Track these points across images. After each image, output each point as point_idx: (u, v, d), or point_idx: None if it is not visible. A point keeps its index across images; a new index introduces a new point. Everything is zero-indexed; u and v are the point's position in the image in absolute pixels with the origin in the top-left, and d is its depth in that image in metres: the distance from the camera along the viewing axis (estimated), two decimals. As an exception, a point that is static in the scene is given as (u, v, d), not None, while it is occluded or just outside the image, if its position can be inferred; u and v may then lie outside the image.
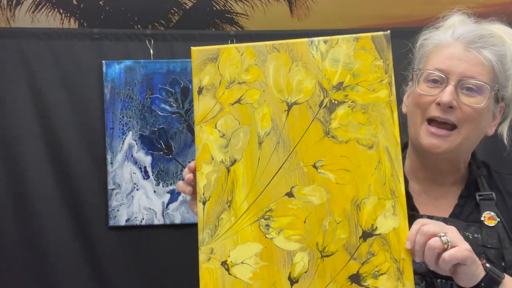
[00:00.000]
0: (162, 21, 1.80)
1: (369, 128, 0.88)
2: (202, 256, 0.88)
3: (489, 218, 1.02)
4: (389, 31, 0.90)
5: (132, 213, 1.67)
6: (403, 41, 1.15)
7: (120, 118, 1.67)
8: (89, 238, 1.66)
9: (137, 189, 1.68)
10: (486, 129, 1.05)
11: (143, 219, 1.68)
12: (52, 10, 1.76)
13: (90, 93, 1.66)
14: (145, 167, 1.69)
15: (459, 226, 0.95)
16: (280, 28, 1.75)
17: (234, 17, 1.80)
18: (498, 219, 1.01)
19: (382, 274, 0.85)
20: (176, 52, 1.68)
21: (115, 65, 1.66)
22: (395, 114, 0.88)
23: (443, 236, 0.84)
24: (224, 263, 0.87)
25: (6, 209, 1.63)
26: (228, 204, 0.89)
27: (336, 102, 0.89)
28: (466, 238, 0.94)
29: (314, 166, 0.88)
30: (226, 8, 1.79)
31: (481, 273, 0.88)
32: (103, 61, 1.66)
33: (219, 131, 0.91)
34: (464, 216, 1.01)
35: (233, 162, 0.90)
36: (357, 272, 0.86)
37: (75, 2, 1.75)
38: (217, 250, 0.88)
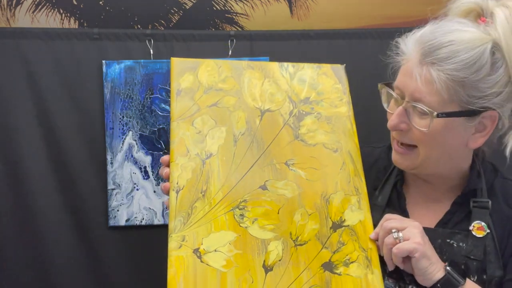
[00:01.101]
0: (162, 21, 1.80)
1: (333, 136, 0.99)
2: (172, 244, 0.88)
3: (478, 228, 0.97)
4: (344, 65, 1.06)
5: (132, 213, 1.67)
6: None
7: (120, 118, 1.67)
8: (89, 238, 1.67)
9: (137, 189, 1.68)
10: (465, 143, 0.95)
11: (143, 219, 1.68)
12: (52, 10, 1.76)
13: (90, 93, 1.66)
14: (145, 167, 1.69)
15: (443, 234, 0.95)
16: (280, 28, 1.75)
17: (234, 17, 1.80)
18: (488, 231, 0.96)
19: (352, 262, 0.90)
20: (176, 52, 1.68)
21: (115, 65, 1.66)
22: (354, 125, 1.01)
23: (394, 232, 0.88)
24: (196, 251, 0.87)
25: (6, 209, 1.63)
26: (203, 193, 0.90)
27: (304, 112, 1.00)
28: (449, 246, 0.94)
29: (286, 164, 0.95)
30: (226, 8, 1.79)
31: (438, 274, 0.88)
32: (103, 61, 1.66)
33: (196, 128, 0.95)
34: (452, 223, 0.97)
35: (209, 155, 0.93)
36: (329, 260, 0.90)
37: (75, 2, 1.75)
38: (189, 238, 0.87)
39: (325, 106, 1.02)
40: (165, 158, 0.94)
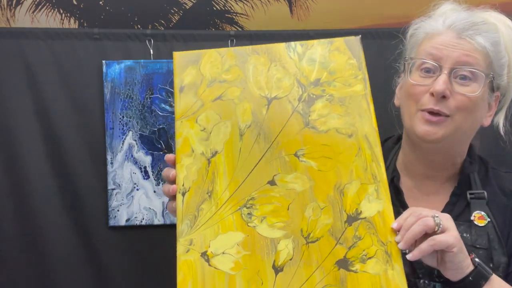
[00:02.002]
0: (162, 21, 1.80)
1: (347, 119, 0.91)
2: (180, 248, 0.86)
3: (479, 217, 1.00)
4: (360, 36, 0.96)
5: (132, 213, 1.67)
6: (403, 40, 1.14)
7: (120, 118, 1.67)
8: (89, 238, 1.66)
9: (137, 189, 1.68)
10: (482, 120, 1.03)
11: (143, 219, 1.68)
12: (52, 10, 1.76)
13: (90, 93, 1.66)
14: (145, 167, 1.69)
15: None
16: (280, 28, 1.75)
17: (234, 17, 1.80)
18: (488, 219, 1.00)
19: (370, 257, 0.84)
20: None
21: (115, 65, 1.66)
22: (372, 105, 0.92)
23: (436, 216, 0.83)
24: (204, 254, 0.85)
25: (6, 209, 1.63)
26: (209, 194, 0.88)
27: (314, 96, 0.92)
28: None
29: (296, 155, 0.90)
30: (226, 8, 1.79)
31: (469, 267, 0.87)
32: (103, 61, 1.66)
33: (200, 125, 0.92)
34: (454, 214, 0.99)
35: (214, 153, 0.90)
36: (344, 257, 0.84)
37: (75, 2, 1.75)
38: (197, 241, 0.85)
39: (338, 86, 0.93)
40: (169, 156, 0.91)
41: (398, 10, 1.76)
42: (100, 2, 1.76)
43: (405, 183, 1.05)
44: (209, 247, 0.85)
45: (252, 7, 1.78)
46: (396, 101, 1.09)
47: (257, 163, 0.89)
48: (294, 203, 0.87)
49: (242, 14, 1.79)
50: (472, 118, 0.99)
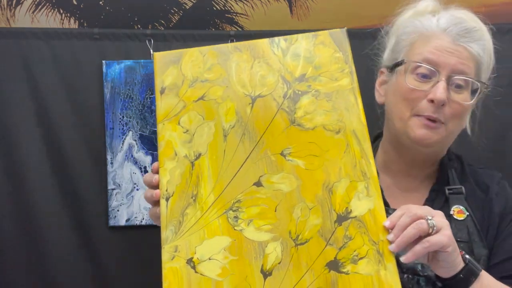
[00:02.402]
0: (162, 21, 1.80)
1: (334, 114, 0.88)
2: (165, 255, 0.84)
3: (458, 212, 1.01)
4: (345, 28, 0.93)
5: (132, 213, 1.67)
6: (385, 33, 1.14)
7: (120, 118, 1.67)
8: (89, 238, 1.66)
9: (137, 189, 1.68)
10: (465, 123, 1.07)
11: (143, 219, 1.68)
12: (52, 10, 1.76)
13: (90, 93, 1.66)
14: (145, 167, 1.69)
15: None
16: (280, 28, 1.75)
17: (234, 17, 1.80)
18: (467, 213, 1.01)
19: (361, 258, 0.82)
20: None
21: (115, 65, 1.66)
22: (359, 99, 0.89)
23: (430, 219, 0.82)
24: (189, 261, 0.83)
25: (6, 209, 1.63)
26: (193, 198, 0.85)
27: (299, 92, 0.90)
28: None
29: (282, 154, 0.87)
30: (226, 8, 1.79)
31: (460, 264, 0.86)
32: (103, 61, 1.66)
33: (183, 127, 0.89)
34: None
35: (198, 156, 0.88)
36: (335, 258, 0.82)
37: (75, 2, 1.75)
38: (182, 248, 0.83)
39: (324, 81, 0.91)
40: (156, 164, 0.89)
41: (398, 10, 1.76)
42: (100, 2, 1.75)
43: (384, 181, 1.05)
44: (195, 253, 0.83)
45: (252, 7, 1.78)
46: (379, 98, 1.08)
47: (242, 164, 0.87)
48: (282, 204, 0.85)
49: (242, 14, 1.79)
50: (461, 124, 1.03)
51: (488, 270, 0.95)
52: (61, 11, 1.76)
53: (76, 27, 1.76)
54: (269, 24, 1.77)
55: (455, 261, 0.85)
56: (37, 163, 1.64)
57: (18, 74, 1.63)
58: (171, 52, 0.94)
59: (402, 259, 0.82)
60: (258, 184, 0.86)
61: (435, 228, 0.81)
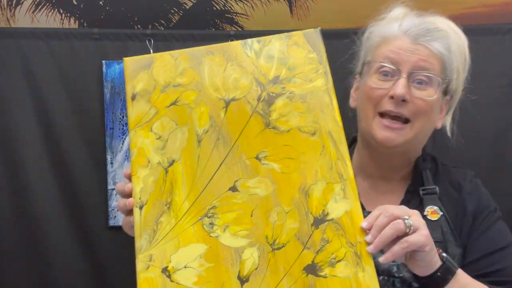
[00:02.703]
0: (162, 21, 1.80)
1: (309, 116, 0.87)
2: (140, 265, 0.84)
3: (432, 212, 1.02)
4: (319, 28, 0.92)
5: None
6: (355, 41, 1.16)
7: (120, 118, 1.67)
8: (89, 238, 1.66)
9: (137, 189, 1.68)
10: (436, 122, 1.06)
11: (143, 219, 1.68)
12: (52, 10, 1.76)
13: (90, 93, 1.66)
14: (145, 167, 1.69)
15: None
16: (280, 28, 1.75)
17: (234, 17, 1.80)
18: (441, 213, 1.02)
19: (339, 261, 0.81)
20: None
21: (115, 65, 1.66)
22: (335, 100, 0.88)
23: (407, 219, 0.82)
24: (165, 270, 0.81)
25: (6, 209, 1.63)
26: (168, 206, 0.84)
27: (274, 94, 0.88)
28: None
29: (257, 158, 0.86)
30: (226, 8, 1.79)
31: (438, 262, 0.87)
32: (103, 61, 1.66)
33: (155, 134, 0.87)
34: None
35: (171, 162, 0.86)
36: (312, 261, 0.81)
37: (75, 2, 1.75)
38: (157, 257, 0.82)
39: (298, 82, 0.89)
40: (127, 171, 0.88)
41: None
42: (100, 2, 1.75)
43: (360, 184, 1.06)
44: (170, 261, 0.82)
45: (252, 7, 1.78)
46: (352, 103, 1.11)
47: (217, 170, 0.85)
48: (258, 209, 0.83)
49: (242, 14, 1.79)
50: (429, 121, 1.03)
51: (462, 268, 0.96)
52: (61, 11, 1.76)
53: (76, 27, 1.76)
54: (269, 24, 1.77)
55: (432, 260, 0.86)
56: (37, 163, 1.64)
57: (18, 74, 1.63)
58: (142, 57, 0.92)
59: (381, 259, 0.82)
60: (233, 189, 0.84)
61: (412, 227, 0.81)
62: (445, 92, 1.04)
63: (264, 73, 0.90)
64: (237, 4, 1.79)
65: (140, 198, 0.84)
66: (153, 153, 0.86)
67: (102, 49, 1.66)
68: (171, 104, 0.88)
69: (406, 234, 0.81)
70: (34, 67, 1.64)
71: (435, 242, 0.88)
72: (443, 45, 1.01)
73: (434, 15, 1.08)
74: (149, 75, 0.90)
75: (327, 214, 0.83)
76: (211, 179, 0.85)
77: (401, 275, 0.98)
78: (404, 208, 0.85)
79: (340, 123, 0.87)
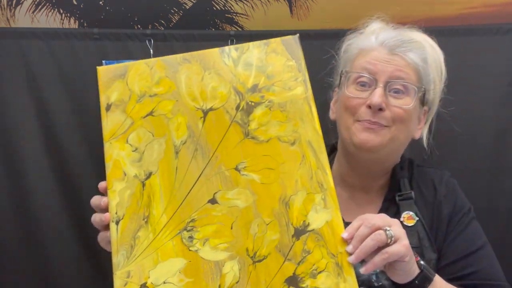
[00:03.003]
0: (162, 21, 1.80)
1: (288, 125, 0.86)
2: (117, 282, 0.82)
3: (408, 218, 1.04)
4: (297, 34, 0.92)
5: (132, 213, 1.67)
6: (335, 55, 1.17)
7: (120, 118, 1.67)
8: (89, 238, 1.66)
9: (137, 189, 1.68)
10: (413, 132, 1.08)
11: (143, 219, 1.68)
12: (52, 10, 1.76)
13: (90, 93, 1.66)
14: (145, 167, 1.68)
15: None
16: (280, 28, 1.75)
17: (234, 17, 1.80)
18: (417, 218, 1.03)
19: (320, 272, 0.80)
20: (176, 52, 1.63)
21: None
22: (314, 108, 0.87)
23: (388, 230, 0.82)
24: (143, 286, 0.80)
25: (6, 209, 1.63)
26: (145, 220, 0.82)
27: (253, 103, 0.87)
28: None
29: (237, 169, 0.84)
30: (226, 8, 1.79)
31: (416, 271, 0.88)
32: (103, 61, 1.66)
33: (131, 146, 0.85)
34: None
35: (148, 175, 0.84)
36: (294, 273, 0.81)
37: (75, 2, 1.75)
38: (135, 273, 0.81)
39: (277, 90, 0.88)
40: (102, 184, 0.86)
41: (399, 9, 1.76)
42: (100, 2, 1.75)
43: (340, 195, 1.07)
44: (149, 277, 0.80)
45: (252, 7, 1.78)
46: (332, 115, 1.13)
47: (196, 182, 0.83)
48: (238, 221, 0.82)
49: (242, 14, 1.79)
50: (406, 129, 1.04)
51: (438, 271, 0.97)
52: (61, 11, 1.76)
53: (76, 27, 1.76)
54: (269, 24, 1.77)
55: (411, 269, 0.87)
56: (37, 163, 1.64)
57: (18, 74, 1.63)
58: (116, 65, 0.90)
59: (362, 270, 0.82)
60: (212, 201, 0.83)
61: (393, 238, 0.82)
62: (422, 102, 1.06)
63: (243, 81, 0.88)
64: (237, 4, 1.78)
65: (116, 213, 0.83)
66: (129, 166, 0.84)
67: (102, 49, 1.66)
68: (148, 115, 0.86)
69: (386, 244, 0.82)
70: (34, 67, 1.64)
71: (412, 247, 0.89)
72: (418, 56, 1.04)
73: (410, 29, 1.11)
74: (124, 85, 0.88)
75: (308, 224, 0.83)
76: (189, 191, 0.83)
77: (380, 283, 0.99)
78: (384, 217, 0.85)
79: (320, 132, 0.86)
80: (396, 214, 1.05)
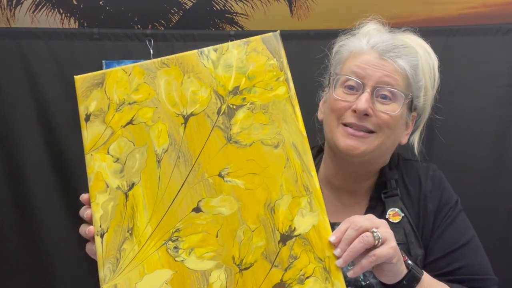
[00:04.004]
0: (162, 21, 1.80)
1: (272, 127, 0.84)
2: None
3: (393, 214, 1.03)
4: (278, 31, 0.88)
5: (132, 213, 1.67)
6: (328, 55, 1.17)
7: (120, 118, 1.67)
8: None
9: (137, 189, 1.68)
10: (400, 138, 1.07)
11: (143, 219, 1.68)
12: (52, 10, 1.76)
13: (90, 93, 1.66)
14: (145, 167, 1.69)
15: None
16: (280, 28, 1.75)
17: (234, 17, 1.80)
18: (403, 214, 1.03)
19: (308, 277, 0.79)
20: (176, 52, 1.64)
21: (115, 65, 1.66)
22: (297, 108, 0.84)
23: (375, 232, 0.81)
24: None
25: (6, 209, 1.63)
26: (130, 232, 0.80)
27: (234, 106, 0.84)
28: None
29: (220, 175, 0.82)
30: (226, 8, 1.79)
31: (404, 271, 0.88)
32: (103, 61, 1.66)
33: (112, 156, 0.84)
34: None
35: (131, 186, 0.82)
36: (281, 280, 0.79)
37: (75, 2, 1.75)
38: (122, 286, 0.79)
39: (259, 91, 0.85)
40: (84, 196, 0.86)
41: (398, 10, 1.76)
42: (100, 2, 1.75)
43: (327, 196, 1.07)
44: None
45: (252, 7, 1.78)
46: (320, 115, 1.12)
47: (179, 190, 0.82)
48: (223, 229, 0.81)
49: (242, 14, 1.79)
50: (393, 135, 1.03)
51: (425, 267, 0.98)
52: (61, 11, 1.76)
53: (76, 27, 1.76)
54: (269, 24, 1.77)
55: (399, 270, 0.87)
56: (37, 163, 1.64)
57: (18, 74, 1.63)
58: (93, 74, 0.87)
59: (349, 274, 0.82)
60: (197, 209, 0.81)
61: (380, 240, 0.81)
62: (411, 108, 1.06)
63: (223, 84, 0.85)
64: (237, 4, 1.78)
65: (100, 226, 0.81)
66: (112, 177, 0.83)
67: (102, 49, 1.66)
68: (127, 124, 0.84)
69: (374, 246, 0.81)
70: (34, 67, 1.64)
71: (398, 244, 0.89)
72: (408, 62, 1.03)
73: (406, 33, 1.10)
74: (102, 93, 0.85)
75: (294, 229, 0.81)
76: (173, 200, 0.82)
77: (367, 282, 0.99)
78: (372, 218, 0.85)
79: (304, 133, 0.84)
80: (383, 212, 1.04)
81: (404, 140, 1.08)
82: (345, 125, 1.01)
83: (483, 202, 1.62)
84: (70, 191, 1.65)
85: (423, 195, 1.06)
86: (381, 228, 0.83)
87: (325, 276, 0.79)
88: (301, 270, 0.79)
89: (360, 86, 1.01)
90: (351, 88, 1.02)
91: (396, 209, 1.04)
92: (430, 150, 1.64)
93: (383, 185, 1.07)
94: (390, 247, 0.82)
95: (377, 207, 1.06)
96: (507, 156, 1.64)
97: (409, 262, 0.90)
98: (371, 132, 1.01)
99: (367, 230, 0.81)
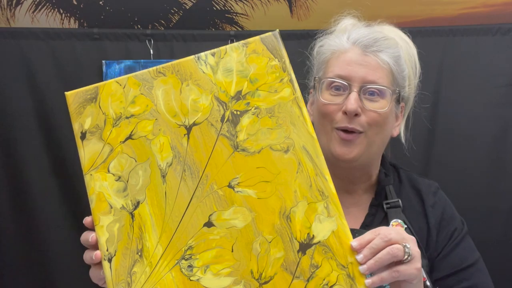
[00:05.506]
0: (162, 21, 1.80)
1: (280, 131, 0.79)
2: None
3: (396, 225, 1.03)
4: (277, 30, 0.84)
5: (132, 213, 1.67)
6: (309, 56, 1.17)
7: (120, 118, 1.67)
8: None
9: (137, 189, 1.67)
10: (391, 131, 1.07)
11: (143, 219, 1.68)
12: (52, 10, 1.76)
13: (90, 93, 1.66)
14: (145, 167, 1.68)
15: None
16: (280, 28, 1.75)
17: (234, 17, 1.80)
18: (405, 226, 1.03)
19: (332, 286, 0.75)
20: (176, 52, 1.68)
21: (115, 65, 1.66)
22: (304, 109, 0.80)
23: (408, 247, 0.78)
24: None
25: (6, 208, 1.63)
26: (139, 253, 0.76)
27: (238, 112, 0.80)
28: None
29: (230, 186, 0.78)
30: (226, 8, 1.79)
31: None
32: (103, 61, 1.66)
33: (114, 175, 0.79)
34: (375, 225, 1.02)
35: (136, 204, 0.78)
36: None
37: (75, 2, 1.75)
38: None
39: (263, 95, 0.80)
40: (88, 219, 0.82)
41: (398, 10, 1.76)
42: (100, 2, 1.75)
43: None
44: None
45: (252, 7, 1.78)
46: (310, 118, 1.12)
47: (188, 205, 0.77)
48: (238, 242, 0.76)
49: (242, 14, 1.79)
50: (383, 132, 1.03)
51: (433, 285, 0.97)
52: (61, 11, 1.76)
53: (76, 27, 1.76)
54: (269, 24, 1.77)
55: None
56: (37, 163, 1.64)
57: (18, 74, 1.63)
58: (85, 89, 0.84)
59: (368, 283, 0.77)
60: (208, 224, 0.77)
61: (410, 257, 0.78)
62: (398, 100, 1.05)
63: (224, 89, 0.80)
64: (237, 4, 1.78)
65: (107, 250, 0.77)
66: (115, 197, 0.79)
67: (102, 49, 1.66)
68: (127, 139, 0.80)
69: (400, 261, 0.78)
70: (34, 67, 1.64)
71: None
72: (390, 55, 1.02)
73: (382, 25, 1.10)
74: (96, 109, 0.81)
75: (313, 237, 0.76)
76: (182, 217, 0.77)
77: None
78: (402, 233, 0.81)
79: (314, 135, 0.79)
80: (383, 220, 1.04)
81: (396, 132, 1.08)
82: (338, 129, 1.01)
83: (483, 202, 1.62)
84: (70, 191, 1.65)
85: (425, 210, 1.06)
86: (411, 244, 0.80)
87: (350, 283, 0.75)
88: (324, 279, 0.75)
89: (346, 86, 1.00)
90: (337, 89, 1.01)
91: (399, 220, 1.03)
92: (430, 151, 1.64)
93: (383, 193, 1.08)
94: (415, 267, 0.78)
95: (377, 215, 1.06)
96: (507, 157, 1.64)
97: (427, 283, 0.90)
98: (360, 132, 1.01)
99: (396, 243, 0.77)
